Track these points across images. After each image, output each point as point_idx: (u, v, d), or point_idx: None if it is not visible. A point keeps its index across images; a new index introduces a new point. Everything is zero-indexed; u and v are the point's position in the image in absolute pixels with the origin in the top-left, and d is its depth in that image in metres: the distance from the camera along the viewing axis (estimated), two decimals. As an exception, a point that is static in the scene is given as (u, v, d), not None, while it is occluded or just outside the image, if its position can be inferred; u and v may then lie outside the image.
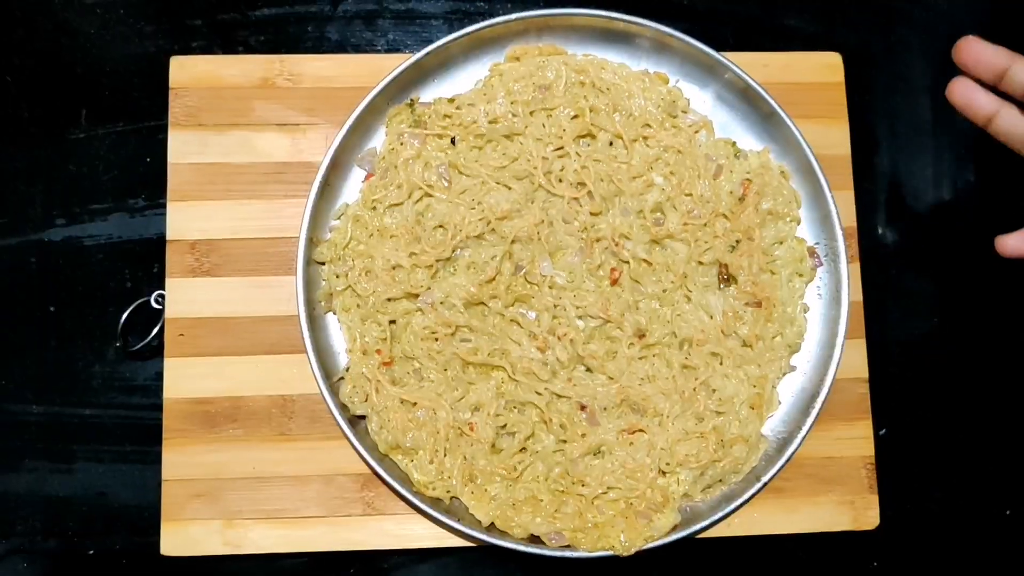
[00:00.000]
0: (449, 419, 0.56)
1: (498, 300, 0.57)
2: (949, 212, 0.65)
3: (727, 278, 0.58)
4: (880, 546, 0.61)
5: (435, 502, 0.56)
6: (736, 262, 0.58)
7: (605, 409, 0.57)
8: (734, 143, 0.61)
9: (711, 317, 0.58)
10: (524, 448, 0.57)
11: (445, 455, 0.56)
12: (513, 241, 0.58)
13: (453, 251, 0.58)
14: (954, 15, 0.67)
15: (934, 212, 0.65)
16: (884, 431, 0.61)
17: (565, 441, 0.57)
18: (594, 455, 0.57)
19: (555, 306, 0.57)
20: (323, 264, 0.59)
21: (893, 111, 0.66)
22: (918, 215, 0.65)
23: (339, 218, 0.59)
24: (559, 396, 0.57)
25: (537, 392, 0.57)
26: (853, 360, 0.60)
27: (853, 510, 0.59)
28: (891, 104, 0.66)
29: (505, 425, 0.57)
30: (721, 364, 0.58)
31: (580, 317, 0.57)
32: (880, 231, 0.64)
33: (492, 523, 0.56)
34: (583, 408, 0.57)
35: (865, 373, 0.60)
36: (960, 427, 0.63)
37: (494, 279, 0.57)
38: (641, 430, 0.57)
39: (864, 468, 0.60)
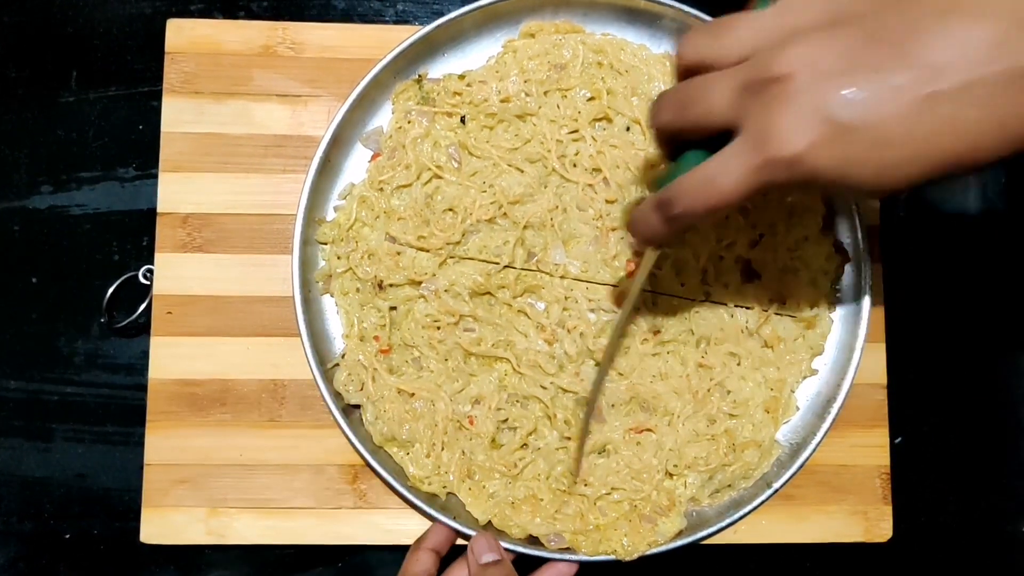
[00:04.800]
0: (448, 411, 0.54)
1: (506, 290, 0.55)
2: (976, 214, 0.62)
3: (749, 274, 0.56)
4: (891, 559, 0.59)
5: (430, 498, 0.54)
6: (759, 257, 0.56)
7: (613, 406, 0.55)
8: (757, 133, 0.58)
9: (731, 315, 0.55)
10: (525, 444, 0.55)
11: (443, 449, 0.54)
12: (525, 227, 0.55)
13: (463, 235, 0.55)
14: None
15: (960, 213, 0.62)
16: (900, 440, 0.59)
17: (569, 438, 0.54)
18: (599, 454, 0.55)
19: (566, 298, 0.55)
20: (324, 244, 0.56)
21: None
22: (943, 216, 0.62)
23: (345, 198, 0.57)
24: (565, 391, 0.55)
25: (542, 386, 0.54)
26: (872, 365, 0.58)
27: (866, 521, 0.57)
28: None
29: (506, 420, 0.55)
30: (739, 365, 0.55)
31: (592, 310, 0.55)
32: (903, 231, 0.61)
33: (489, 522, 0.54)
34: (590, 405, 0.55)
35: (883, 379, 0.58)
36: (979, 438, 0.61)
37: (505, 270, 0.55)
38: (649, 429, 0.55)
39: (879, 478, 0.58)
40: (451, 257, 0.55)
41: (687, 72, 0.40)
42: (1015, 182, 0.63)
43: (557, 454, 0.55)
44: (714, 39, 0.39)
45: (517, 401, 0.55)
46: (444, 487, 0.54)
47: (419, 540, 0.53)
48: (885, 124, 0.35)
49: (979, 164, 0.36)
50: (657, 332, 0.55)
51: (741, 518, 0.54)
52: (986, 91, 0.34)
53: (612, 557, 0.53)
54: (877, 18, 0.35)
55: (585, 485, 0.54)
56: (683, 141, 0.40)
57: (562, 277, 0.55)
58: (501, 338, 0.55)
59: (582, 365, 0.55)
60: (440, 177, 0.56)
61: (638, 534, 0.54)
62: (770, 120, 0.36)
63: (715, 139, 0.38)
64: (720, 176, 0.37)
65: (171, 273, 0.56)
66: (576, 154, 0.56)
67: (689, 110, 0.39)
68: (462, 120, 0.57)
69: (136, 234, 0.59)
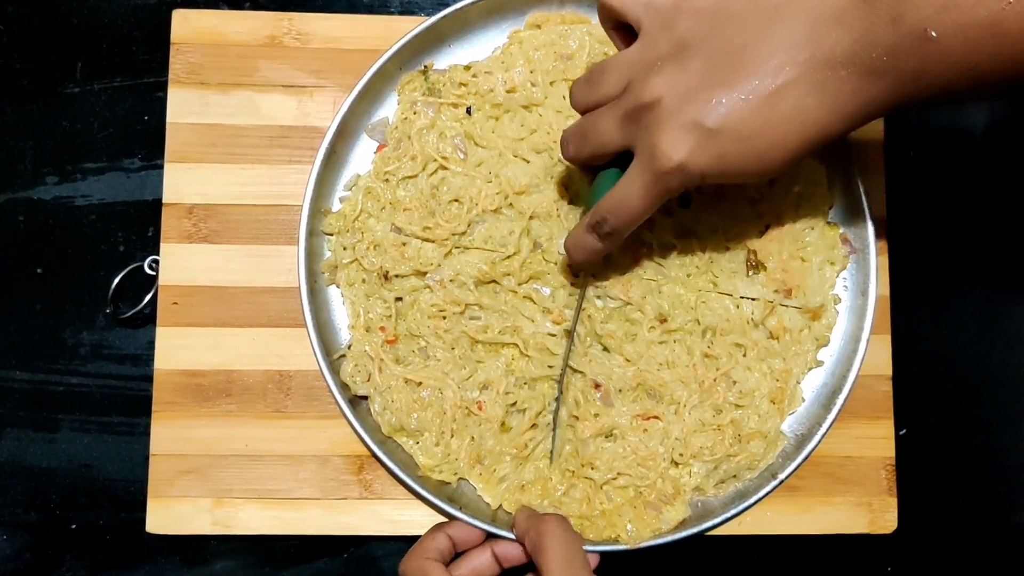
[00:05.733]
0: (456, 399, 0.54)
1: (512, 277, 0.55)
2: (981, 205, 0.62)
3: (755, 264, 0.56)
4: (896, 551, 0.59)
5: (438, 487, 0.54)
6: (766, 247, 0.56)
7: (620, 391, 0.55)
8: (763, 123, 0.58)
9: (737, 306, 0.56)
10: (535, 425, 0.55)
11: (452, 436, 0.54)
12: (531, 217, 0.55)
13: (468, 226, 0.55)
14: None
15: (966, 204, 0.62)
16: (904, 431, 0.59)
17: (577, 417, 0.54)
18: (606, 438, 0.55)
19: (571, 283, 0.55)
20: (330, 235, 0.56)
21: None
22: (949, 208, 0.62)
23: (350, 189, 0.57)
24: (574, 371, 0.55)
25: (550, 366, 0.55)
26: (877, 357, 0.58)
27: (870, 512, 0.57)
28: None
29: (515, 403, 0.55)
30: (745, 355, 0.55)
31: (599, 297, 0.55)
32: (909, 222, 0.61)
33: (499, 507, 0.54)
34: (598, 387, 0.55)
35: (889, 371, 0.58)
36: (984, 429, 0.61)
37: (509, 257, 0.55)
38: (656, 417, 0.55)
39: (883, 469, 0.58)
40: (456, 247, 0.56)
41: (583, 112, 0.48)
42: (1021, 178, 0.63)
43: (566, 433, 0.55)
44: (594, 87, 0.47)
45: (525, 384, 0.55)
46: (455, 473, 0.54)
47: (443, 524, 0.53)
48: (744, 123, 0.41)
49: (832, 138, 0.42)
50: (664, 320, 0.55)
51: (746, 509, 0.54)
52: (813, 79, 0.41)
53: (618, 547, 0.53)
54: (716, 40, 0.42)
55: (592, 468, 0.54)
56: (595, 164, 0.49)
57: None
58: (507, 324, 0.55)
59: (590, 347, 0.55)
60: (446, 168, 0.56)
61: (642, 521, 0.54)
62: (652, 141, 0.43)
63: (620, 156, 0.46)
64: (630, 194, 0.45)
65: (177, 264, 0.56)
66: (582, 144, 0.56)
67: (588, 142, 0.47)
68: (468, 111, 0.57)
69: (141, 225, 0.59)
